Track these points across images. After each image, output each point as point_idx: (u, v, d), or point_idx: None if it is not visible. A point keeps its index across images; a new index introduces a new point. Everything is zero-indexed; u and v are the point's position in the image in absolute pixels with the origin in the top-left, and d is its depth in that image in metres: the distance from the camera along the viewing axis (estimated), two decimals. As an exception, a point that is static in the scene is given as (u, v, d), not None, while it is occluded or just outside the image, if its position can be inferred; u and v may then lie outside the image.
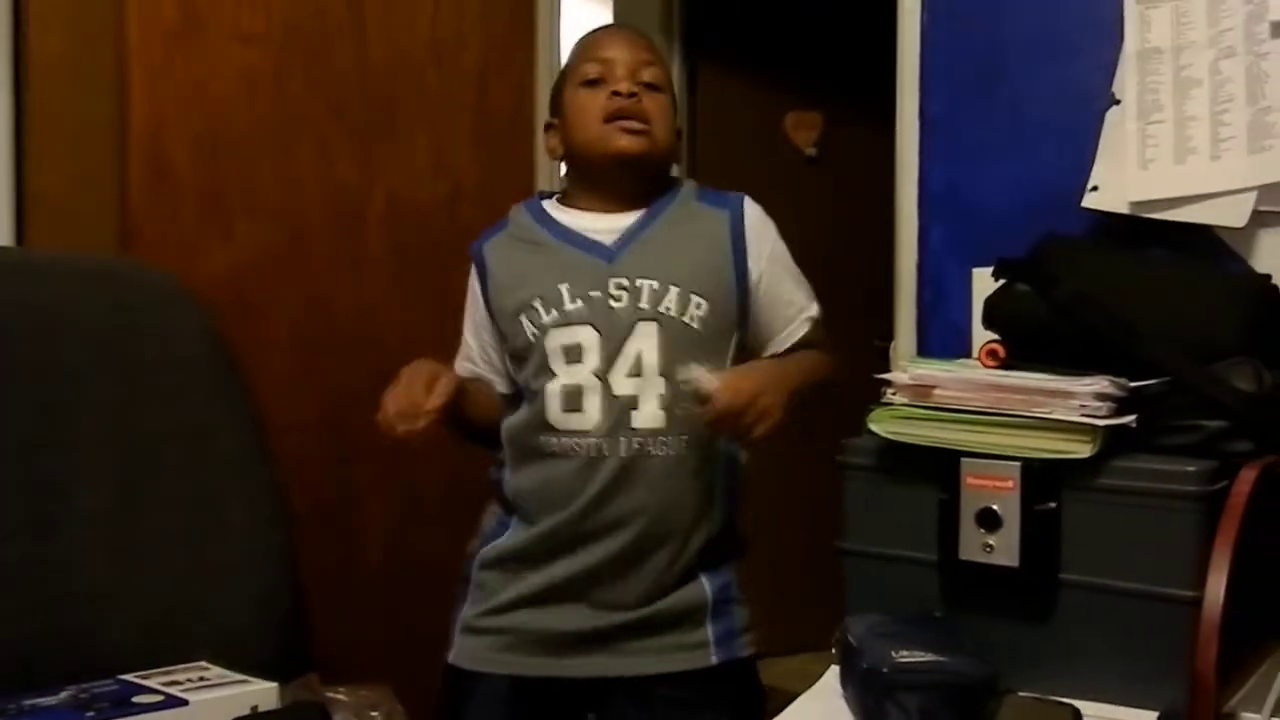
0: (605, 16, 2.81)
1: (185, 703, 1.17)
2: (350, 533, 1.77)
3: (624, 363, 1.25)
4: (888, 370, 1.17)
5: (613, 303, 1.26)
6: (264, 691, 1.22)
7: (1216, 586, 0.94)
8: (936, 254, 1.55)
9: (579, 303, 1.26)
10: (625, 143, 1.29)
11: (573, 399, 1.26)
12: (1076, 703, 0.99)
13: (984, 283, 1.34)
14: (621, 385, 1.25)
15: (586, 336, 1.26)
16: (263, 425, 1.50)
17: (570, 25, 2.11)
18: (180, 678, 1.23)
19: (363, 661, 1.61)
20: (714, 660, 1.29)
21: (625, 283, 1.26)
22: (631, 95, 1.29)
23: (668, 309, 1.27)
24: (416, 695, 1.47)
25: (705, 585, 1.30)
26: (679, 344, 1.25)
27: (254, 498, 1.46)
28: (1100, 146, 1.39)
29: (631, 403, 1.25)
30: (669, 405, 1.25)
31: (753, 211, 1.35)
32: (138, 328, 1.41)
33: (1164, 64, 1.34)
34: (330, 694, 1.35)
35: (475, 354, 1.39)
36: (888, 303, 1.62)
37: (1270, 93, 1.27)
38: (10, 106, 1.55)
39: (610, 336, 1.26)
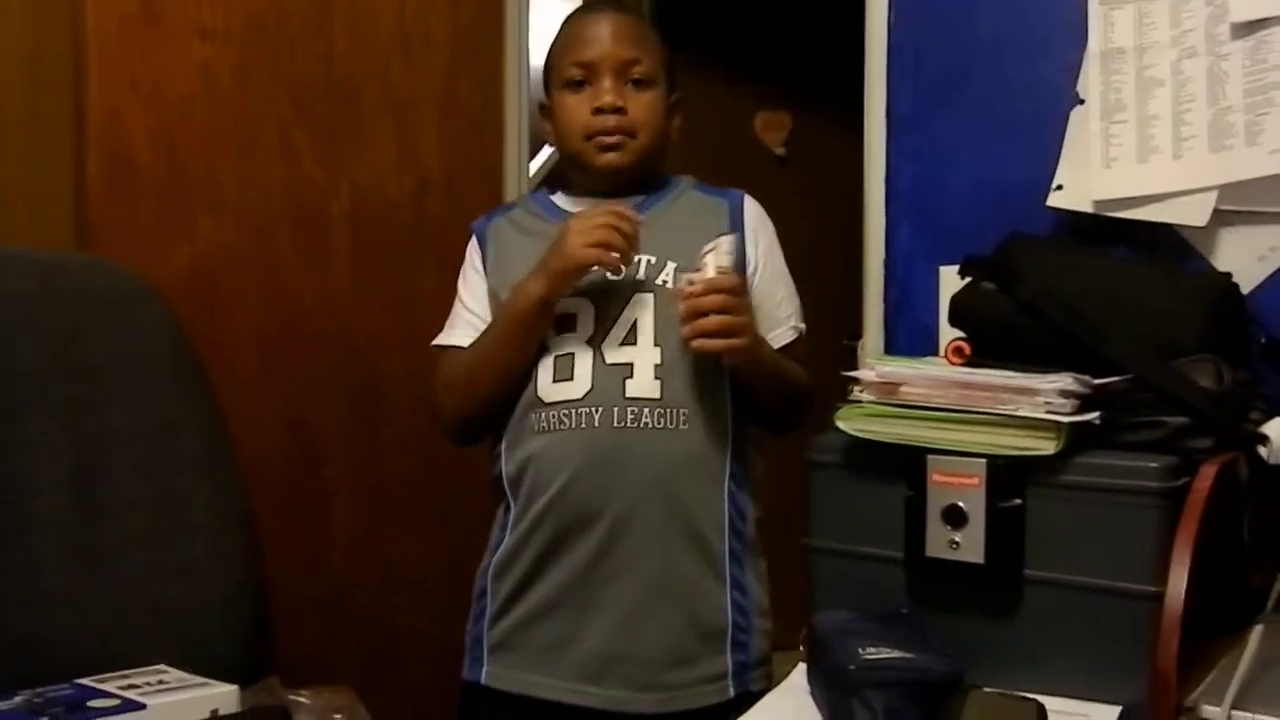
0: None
1: (143, 706, 1.14)
2: (315, 533, 1.75)
3: (619, 330, 1.24)
4: (856, 369, 1.17)
5: (608, 274, 1.25)
6: (224, 695, 1.20)
7: (1178, 582, 0.95)
8: (904, 252, 1.56)
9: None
10: (608, 159, 1.29)
11: (563, 367, 1.24)
12: (1041, 698, 1.00)
13: (951, 281, 1.35)
14: (615, 353, 1.23)
15: (580, 306, 1.25)
16: (225, 424, 1.48)
17: (539, 18, 2.10)
18: (138, 681, 1.21)
19: (326, 664, 1.60)
20: (730, 694, 1.25)
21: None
22: (615, 110, 1.28)
23: (664, 282, 1.26)
24: (381, 697, 1.45)
25: (727, 602, 1.25)
26: (675, 316, 1.21)
27: (216, 498, 1.43)
28: (1065, 145, 1.40)
29: (625, 371, 1.23)
30: (665, 375, 1.22)
31: (753, 206, 1.36)
32: (96, 325, 1.38)
33: (1127, 64, 1.35)
34: (292, 697, 1.33)
35: (477, 321, 1.33)
36: (857, 302, 1.63)
37: (1231, 93, 1.28)
38: (-36, 98, 1.52)
39: (605, 306, 1.25)
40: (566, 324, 1.25)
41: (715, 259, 1.18)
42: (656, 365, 1.23)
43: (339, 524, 1.77)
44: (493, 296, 1.32)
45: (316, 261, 1.75)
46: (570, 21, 1.36)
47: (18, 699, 1.14)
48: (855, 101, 1.61)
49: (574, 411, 1.23)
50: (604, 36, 1.30)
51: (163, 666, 1.26)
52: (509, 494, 1.30)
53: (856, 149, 1.61)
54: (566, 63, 1.31)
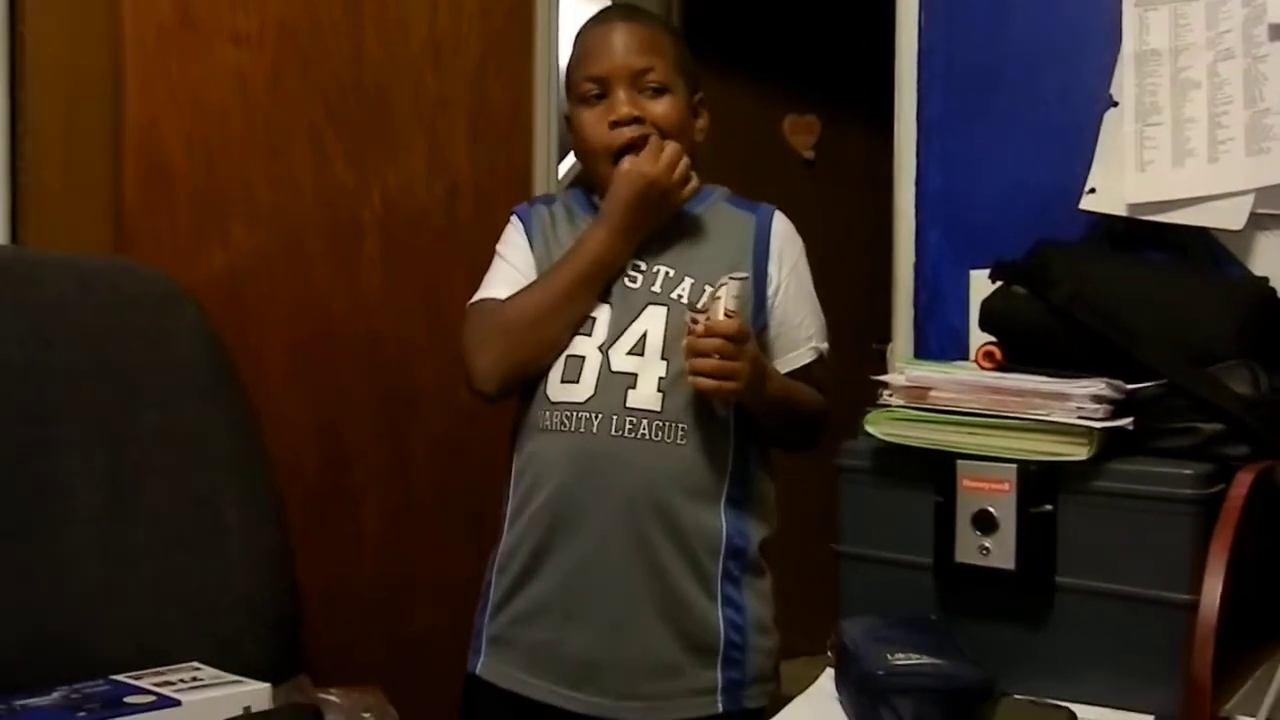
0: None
1: (178, 703, 1.16)
2: (345, 535, 1.76)
3: (627, 339, 1.25)
4: (886, 373, 1.16)
5: (628, 282, 1.27)
6: (257, 692, 1.21)
7: (1212, 591, 0.93)
8: (934, 256, 1.55)
9: None
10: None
11: (571, 368, 1.25)
12: (1072, 706, 0.99)
13: (981, 285, 1.34)
14: (621, 361, 1.24)
15: (600, 310, 1.26)
16: (258, 427, 1.50)
17: (568, 23, 2.11)
18: (173, 678, 1.22)
19: (354, 664, 1.61)
20: (719, 709, 1.25)
21: (643, 265, 1.28)
22: (633, 120, 1.27)
23: (679, 296, 1.27)
24: (409, 698, 1.46)
25: (719, 619, 1.25)
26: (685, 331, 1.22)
27: (248, 499, 1.45)
28: (1098, 149, 1.38)
29: (629, 381, 1.23)
30: (667, 388, 1.23)
31: (782, 224, 1.34)
32: (132, 329, 1.40)
33: (1162, 66, 1.33)
34: (323, 695, 1.34)
35: (524, 277, 1.31)
36: (886, 306, 1.62)
37: (1268, 95, 1.26)
38: (6, 106, 1.55)
39: (620, 313, 1.26)
40: (584, 326, 1.27)
41: (724, 301, 1.18)
42: (660, 378, 1.23)
43: (368, 527, 1.79)
44: (538, 265, 1.32)
45: (348, 267, 1.77)
46: (582, 34, 1.34)
47: (55, 695, 1.16)
48: (885, 105, 1.60)
49: (575, 414, 1.24)
50: (614, 48, 1.29)
51: (197, 664, 1.28)
52: (512, 487, 1.31)
53: (886, 152, 1.60)
54: (580, 78, 1.31)
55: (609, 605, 1.24)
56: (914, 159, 1.55)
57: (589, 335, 1.26)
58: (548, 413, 1.26)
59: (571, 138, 1.37)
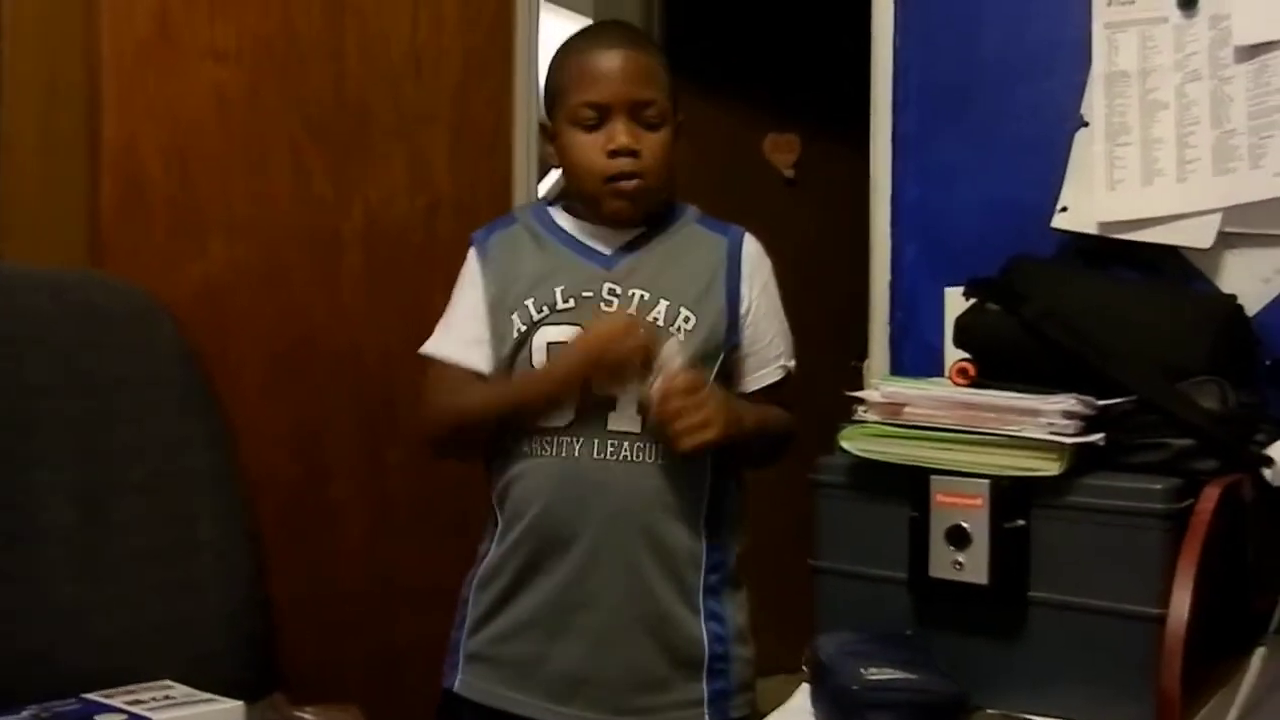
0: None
1: (149, 722, 1.15)
2: (323, 550, 1.75)
3: None
4: (863, 390, 1.17)
5: (604, 306, 1.27)
6: (230, 710, 1.20)
7: (1181, 604, 0.94)
8: (909, 274, 1.56)
9: (571, 301, 1.26)
10: (620, 205, 1.28)
11: None
12: (1046, 719, 0.99)
13: (956, 302, 1.36)
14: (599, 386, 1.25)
15: (573, 336, 1.26)
16: (233, 442, 1.49)
17: (549, 38, 2.12)
18: (144, 696, 1.21)
19: (332, 681, 1.60)
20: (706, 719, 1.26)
21: (618, 289, 1.28)
22: (630, 154, 1.26)
23: (655, 319, 1.27)
24: (386, 714, 1.45)
25: (703, 632, 1.27)
26: (664, 354, 1.22)
27: (223, 515, 1.44)
28: (1069, 167, 1.40)
29: (609, 404, 1.24)
30: (645, 411, 1.24)
31: (752, 245, 1.35)
32: (107, 343, 1.40)
33: (1131, 87, 1.36)
34: (298, 713, 1.33)
35: (472, 337, 1.31)
36: (865, 323, 1.63)
37: (1234, 116, 1.29)
38: (-17, 118, 1.54)
39: None
40: (557, 351, 1.26)
41: (667, 368, 1.20)
42: (639, 402, 1.24)
43: (346, 541, 1.78)
44: (494, 307, 1.30)
45: (327, 281, 1.76)
46: (580, 51, 1.30)
47: (24, 713, 1.14)
48: (864, 123, 1.61)
49: (556, 439, 1.25)
50: (617, 75, 1.27)
51: (169, 682, 1.27)
52: (496, 509, 1.32)
53: (865, 170, 1.61)
54: (577, 100, 1.27)
55: (595, 621, 1.24)
56: (889, 177, 1.57)
57: None
58: (531, 438, 1.27)
59: (547, 149, 1.37)
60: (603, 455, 1.24)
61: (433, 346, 1.35)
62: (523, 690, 1.26)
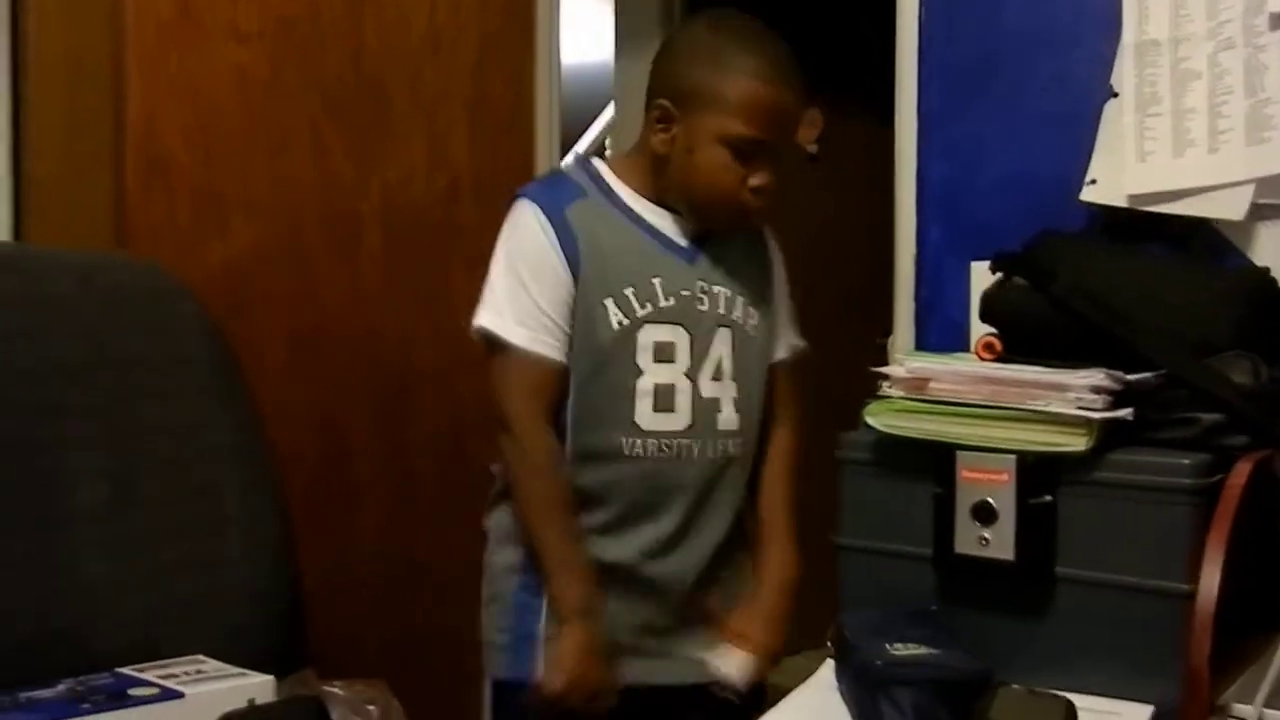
0: (604, 9, 2.80)
1: (181, 695, 1.17)
2: (346, 529, 1.77)
3: (709, 365, 1.28)
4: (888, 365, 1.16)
5: (698, 305, 1.28)
6: (261, 684, 1.22)
7: (1210, 580, 0.94)
8: (935, 249, 1.55)
9: (672, 300, 1.26)
10: (733, 226, 1.30)
11: (664, 398, 1.25)
12: (1072, 696, 0.99)
13: (982, 277, 1.34)
14: (707, 387, 1.28)
15: (679, 336, 1.26)
16: (258, 419, 1.50)
17: (569, 16, 2.11)
18: (176, 671, 1.23)
19: (359, 657, 1.62)
20: None
21: (705, 286, 1.29)
22: (768, 188, 1.24)
23: (736, 316, 1.31)
24: (415, 691, 1.47)
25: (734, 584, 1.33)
26: (746, 350, 1.31)
27: (250, 491, 1.46)
28: (1098, 139, 1.38)
29: (715, 405, 1.28)
30: (741, 408, 1.30)
31: (770, 234, 1.40)
32: (132, 323, 1.41)
33: (1162, 56, 1.33)
34: (326, 688, 1.35)
35: (555, 327, 1.24)
36: (890, 299, 1.62)
37: (1269, 84, 1.26)
38: (9, 99, 1.55)
39: (698, 338, 1.27)
40: (664, 352, 1.26)
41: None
42: (735, 399, 1.30)
43: (369, 519, 1.79)
44: (583, 290, 1.23)
45: (347, 260, 1.77)
46: (755, 76, 1.22)
47: (60, 688, 1.16)
48: (888, 98, 1.59)
49: (675, 443, 1.26)
50: (787, 119, 1.25)
51: (200, 657, 1.28)
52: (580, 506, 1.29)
53: (889, 145, 1.60)
54: (739, 128, 1.21)
55: (702, 540, 1.30)
56: (914, 151, 1.55)
57: (673, 362, 1.26)
58: (638, 439, 1.26)
59: (660, 134, 1.25)
60: (715, 455, 1.28)
61: (503, 329, 1.24)
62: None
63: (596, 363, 1.25)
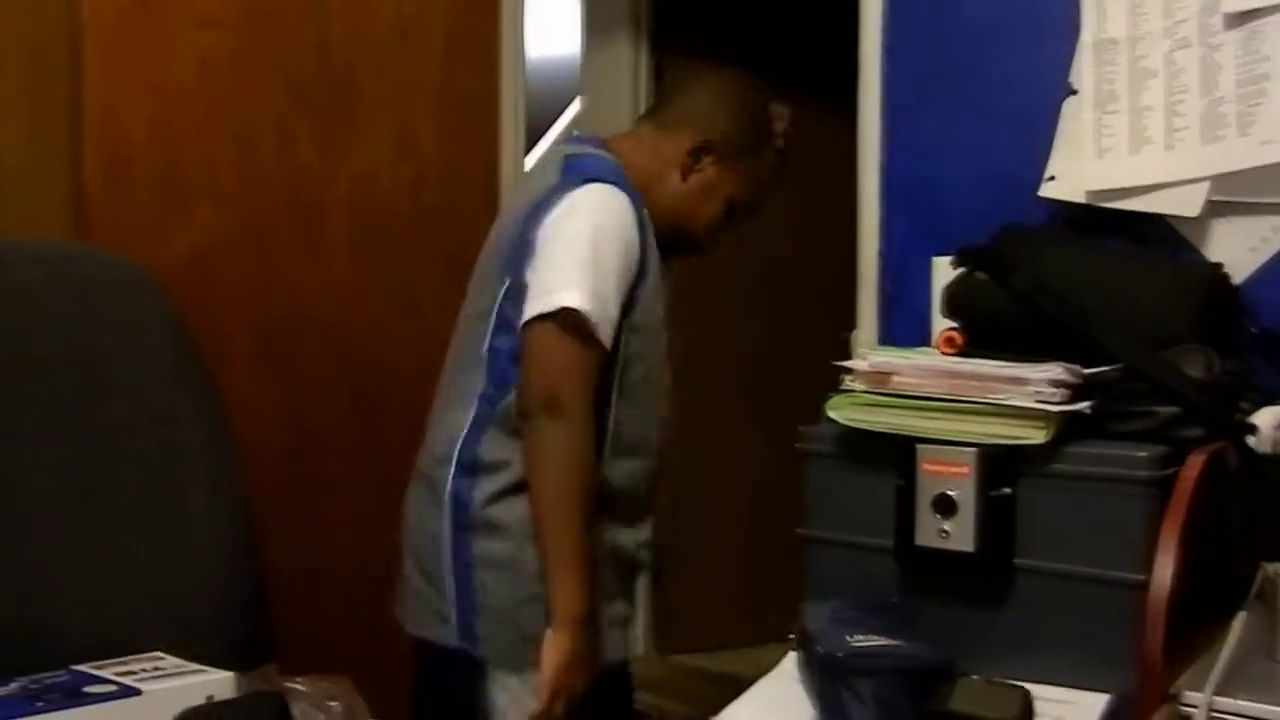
0: (572, 2, 2.79)
1: (139, 692, 1.15)
2: (315, 524, 1.76)
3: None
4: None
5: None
6: (220, 681, 1.21)
7: (1164, 570, 0.95)
8: (898, 243, 1.56)
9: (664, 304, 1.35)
10: (670, 254, 1.34)
11: (667, 396, 1.35)
12: (1031, 686, 1.00)
13: (945, 272, 1.35)
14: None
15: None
16: (223, 414, 1.49)
17: (536, 9, 2.10)
18: (135, 668, 1.22)
19: (324, 653, 1.61)
20: None
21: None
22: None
23: None
24: (377, 687, 1.46)
25: None
26: None
27: (216, 487, 1.44)
28: (1058, 136, 1.40)
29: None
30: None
31: None
32: (98, 316, 1.39)
33: (1120, 54, 1.35)
34: (289, 684, 1.34)
35: (616, 321, 1.22)
36: (855, 294, 1.62)
37: (1223, 83, 1.28)
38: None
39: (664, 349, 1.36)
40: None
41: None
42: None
43: (337, 513, 1.78)
44: (645, 294, 1.26)
45: (314, 251, 1.76)
46: (779, 167, 1.40)
47: (14, 685, 1.15)
48: (854, 94, 1.60)
49: (664, 439, 1.34)
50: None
51: (159, 654, 1.27)
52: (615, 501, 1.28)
53: (855, 141, 1.61)
54: (753, 196, 1.37)
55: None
56: (878, 147, 1.56)
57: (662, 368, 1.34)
58: (658, 435, 1.32)
59: (692, 163, 1.32)
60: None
61: (591, 314, 1.20)
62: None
63: (647, 361, 1.28)
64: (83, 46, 1.52)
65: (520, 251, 1.24)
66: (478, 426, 1.26)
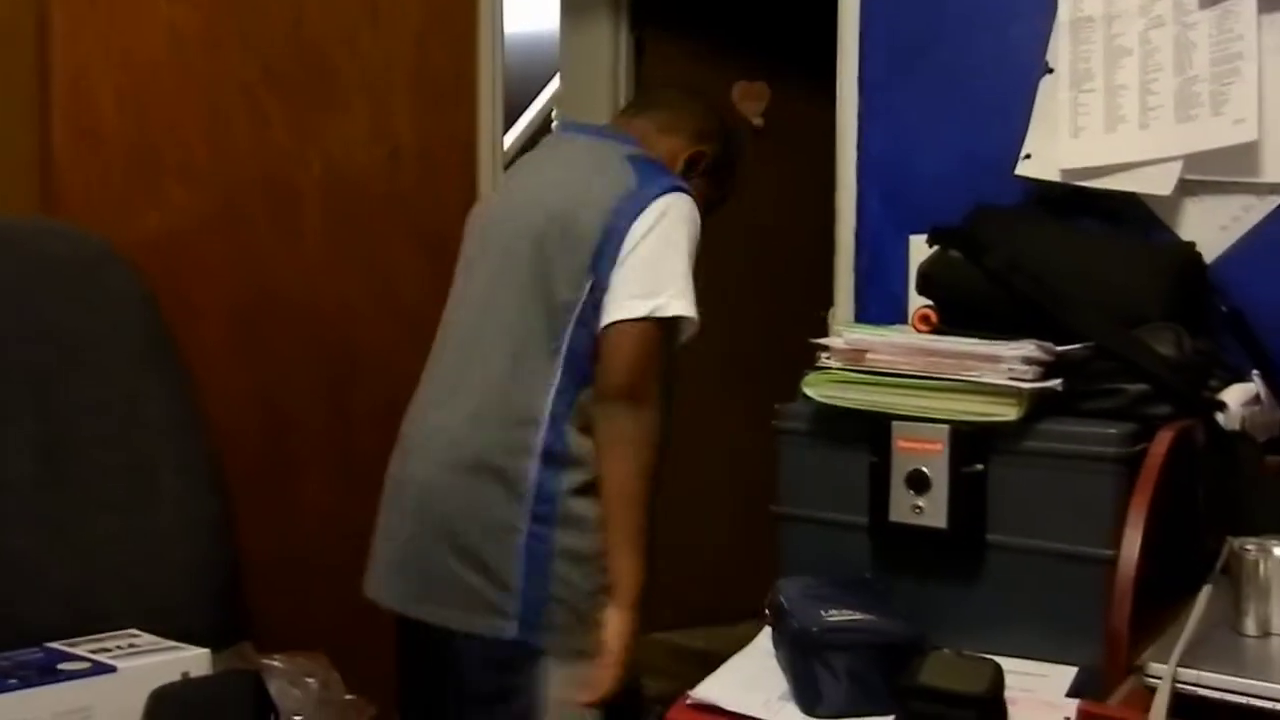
0: (550, -19, 2.77)
1: (113, 669, 1.15)
2: (288, 503, 1.75)
3: None
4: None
5: None
6: (195, 658, 1.21)
7: (1131, 545, 0.96)
8: (875, 222, 1.56)
9: None
10: None
11: None
12: (1002, 659, 1.01)
13: (920, 250, 1.36)
14: None
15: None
16: (196, 393, 1.48)
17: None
18: (110, 645, 1.22)
19: (300, 631, 1.60)
20: None
21: None
22: None
23: None
24: (352, 663, 1.46)
25: None
26: None
27: (186, 466, 1.43)
28: (1034, 115, 1.40)
29: None
30: None
31: None
32: (63, 292, 1.37)
33: (1096, 33, 1.35)
34: (265, 661, 1.34)
35: None
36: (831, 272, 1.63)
37: (1197, 62, 1.29)
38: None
39: None
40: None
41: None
42: None
43: (310, 491, 1.78)
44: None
45: (288, 230, 1.74)
46: (758, 130, 1.51)
47: (-15, 663, 1.14)
48: (832, 72, 1.60)
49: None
50: None
51: (134, 631, 1.27)
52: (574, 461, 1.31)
53: (833, 119, 1.60)
54: (720, 195, 1.49)
55: None
56: (855, 125, 1.56)
57: None
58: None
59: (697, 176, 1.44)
60: None
61: (692, 322, 1.32)
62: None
63: (676, 357, 1.34)
64: (50, 15, 1.50)
65: (604, 251, 1.28)
66: (558, 420, 1.29)
